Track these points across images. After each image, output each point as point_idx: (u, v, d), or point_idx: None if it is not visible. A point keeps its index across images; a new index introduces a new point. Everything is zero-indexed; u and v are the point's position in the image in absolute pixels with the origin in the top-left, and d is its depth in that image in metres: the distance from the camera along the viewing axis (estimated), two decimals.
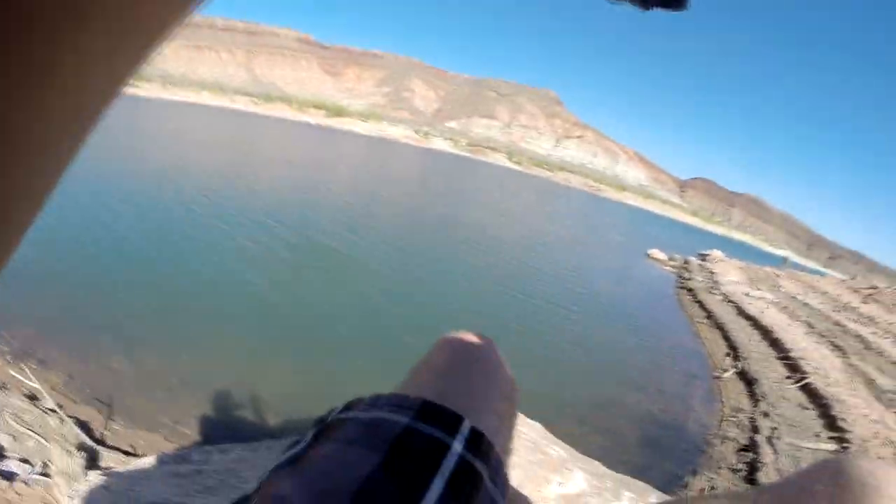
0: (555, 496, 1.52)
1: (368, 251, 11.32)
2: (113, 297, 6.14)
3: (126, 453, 3.56)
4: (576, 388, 6.93)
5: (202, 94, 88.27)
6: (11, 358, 4.36)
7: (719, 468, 5.13)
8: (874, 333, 10.21)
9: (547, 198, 53.12)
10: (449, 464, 0.40)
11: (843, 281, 19.49)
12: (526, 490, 1.51)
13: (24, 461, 2.88)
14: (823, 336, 10.00)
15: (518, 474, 1.54)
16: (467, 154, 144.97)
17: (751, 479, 4.81)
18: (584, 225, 36.87)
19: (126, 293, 6.31)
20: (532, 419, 2.07)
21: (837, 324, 11.16)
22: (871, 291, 15.51)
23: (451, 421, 0.45)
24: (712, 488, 4.66)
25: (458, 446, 0.42)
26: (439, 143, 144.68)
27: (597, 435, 5.56)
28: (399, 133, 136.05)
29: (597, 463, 1.96)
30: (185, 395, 4.58)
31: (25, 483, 2.56)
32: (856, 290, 16.10)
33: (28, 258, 6.17)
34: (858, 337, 9.95)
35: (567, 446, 1.97)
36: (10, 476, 2.61)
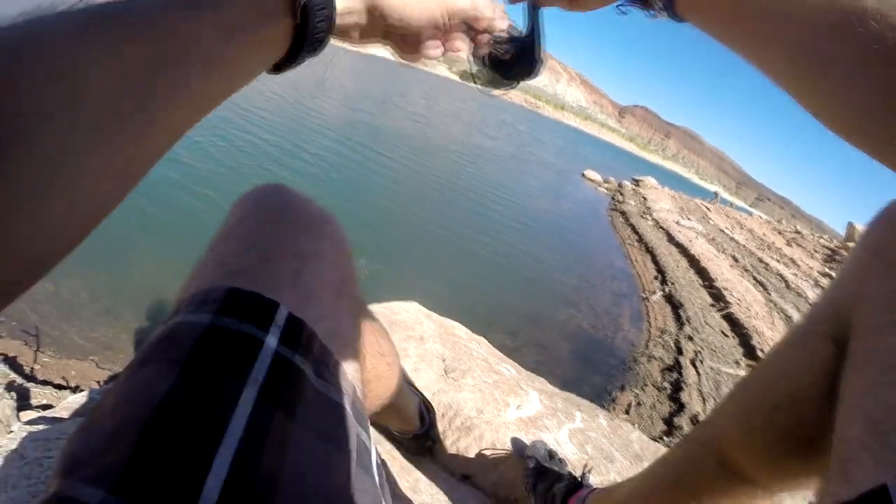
0: (514, 420, 1.43)
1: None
2: None
3: (58, 387, 3.06)
4: (508, 302, 6.82)
5: None
6: None
7: (645, 385, 5.22)
8: (795, 275, 10.69)
9: (487, 111, 51.29)
10: (263, 365, 0.33)
11: (769, 222, 20.38)
12: (487, 415, 1.36)
13: None
14: (747, 271, 10.38)
15: (477, 398, 1.43)
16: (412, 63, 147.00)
17: (674, 397, 4.93)
18: (521, 141, 36.19)
19: None
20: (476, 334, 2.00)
21: (761, 261, 11.63)
22: (794, 236, 16.27)
23: (262, 310, 0.36)
24: (638, 404, 4.74)
25: (272, 341, 0.35)
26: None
27: (529, 348, 5.51)
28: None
29: (542, 380, 1.87)
30: (116, 317, 3.98)
31: None
32: (780, 233, 16.87)
33: None
34: (780, 276, 10.39)
35: (514, 363, 1.91)
36: None
